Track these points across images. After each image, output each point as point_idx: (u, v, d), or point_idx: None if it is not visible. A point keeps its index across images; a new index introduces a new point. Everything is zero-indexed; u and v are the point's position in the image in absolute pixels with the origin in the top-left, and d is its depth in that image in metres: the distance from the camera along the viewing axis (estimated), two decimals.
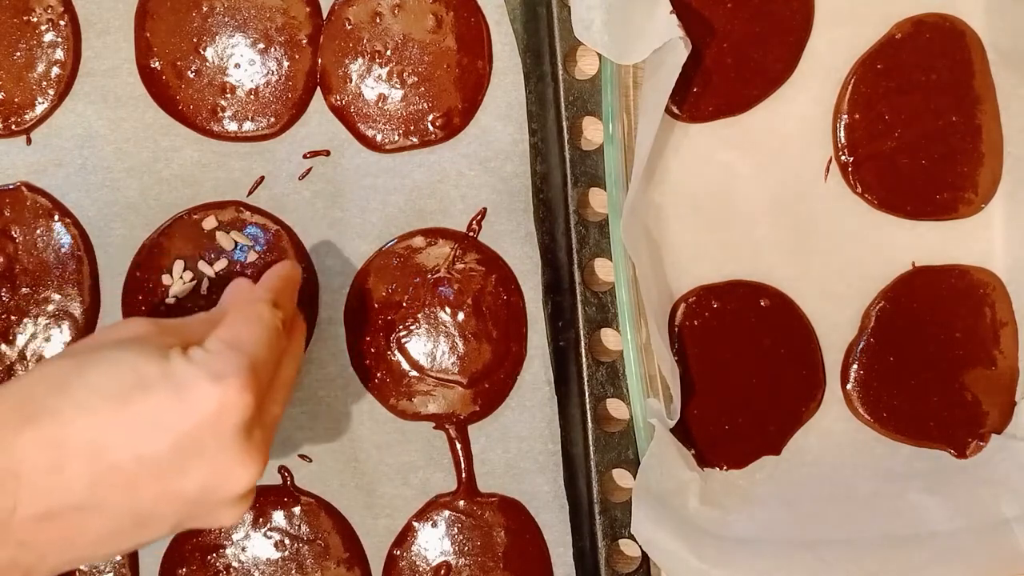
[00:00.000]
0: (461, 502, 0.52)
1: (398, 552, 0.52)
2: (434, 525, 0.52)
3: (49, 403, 0.36)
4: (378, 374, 0.52)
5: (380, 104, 0.52)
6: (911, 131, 0.53)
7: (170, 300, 0.52)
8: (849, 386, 0.53)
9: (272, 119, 0.52)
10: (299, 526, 0.52)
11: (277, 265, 0.48)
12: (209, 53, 0.52)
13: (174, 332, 0.41)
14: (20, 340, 0.52)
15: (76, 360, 0.37)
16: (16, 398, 0.36)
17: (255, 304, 0.42)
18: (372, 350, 0.52)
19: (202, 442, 0.37)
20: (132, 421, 0.36)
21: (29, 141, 0.52)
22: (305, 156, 0.52)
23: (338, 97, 0.52)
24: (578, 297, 0.51)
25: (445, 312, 0.52)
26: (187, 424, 0.36)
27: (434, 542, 0.52)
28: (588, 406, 0.50)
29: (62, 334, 0.51)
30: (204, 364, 0.38)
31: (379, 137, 0.52)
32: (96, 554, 0.38)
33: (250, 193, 0.52)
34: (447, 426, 0.52)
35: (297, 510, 0.52)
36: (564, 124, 0.51)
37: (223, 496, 0.39)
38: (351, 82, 0.52)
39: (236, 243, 0.52)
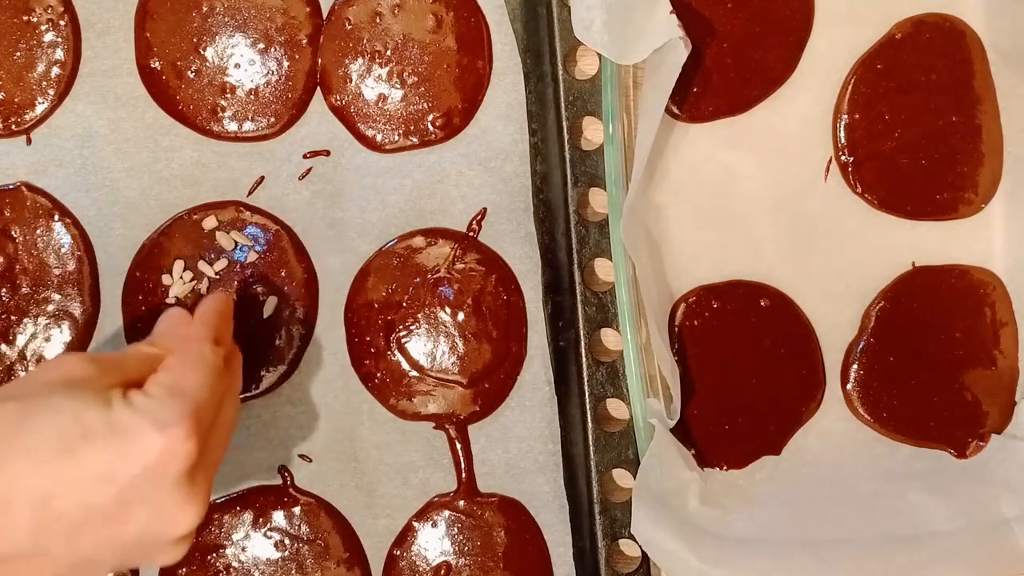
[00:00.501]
0: (461, 502, 0.52)
1: (398, 552, 0.52)
2: (434, 525, 0.52)
3: None
4: (378, 374, 0.52)
5: (380, 104, 0.52)
6: (911, 131, 0.53)
7: (170, 300, 0.52)
8: (849, 386, 0.53)
9: (272, 119, 0.52)
10: (299, 526, 0.52)
11: (210, 298, 0.48)
12: (209, 53, 0.52)
13: (112, 369, 0.40)
14: (20, 340, 0.52)
15: (20, 407, 0.37)
16: None
17: (197, 344, 0.42)
18: (372, 350, 0.52)
19: (145, 490, 0.37)
20: (78, 472, 0.36)
21: (29, 141, 0.52)
22: (305, 156, 0.52)
23: (338, 97, 0.52)
24: (578, 297, 0.51)
25: (445, 312, 0.52)
26: (131, 474, 0.37)
27: (434, 542, 0.52)
28: (588, 406, 0.50)
29: (62, 334, 0.52)
30: (147, 412, 0.38)
31: (379, 137, 0.52)
32: None
33: (250, 193, 0.52)
34: (447, 426, 0.52)
35: (297, 510, 0.52)
36: (564, 124, 0.51)
37: (163, 539, 0.39)
38: (351, 82, 0.52)
39: (236, 243, 0.52)
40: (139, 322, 0.52)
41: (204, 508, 0.39)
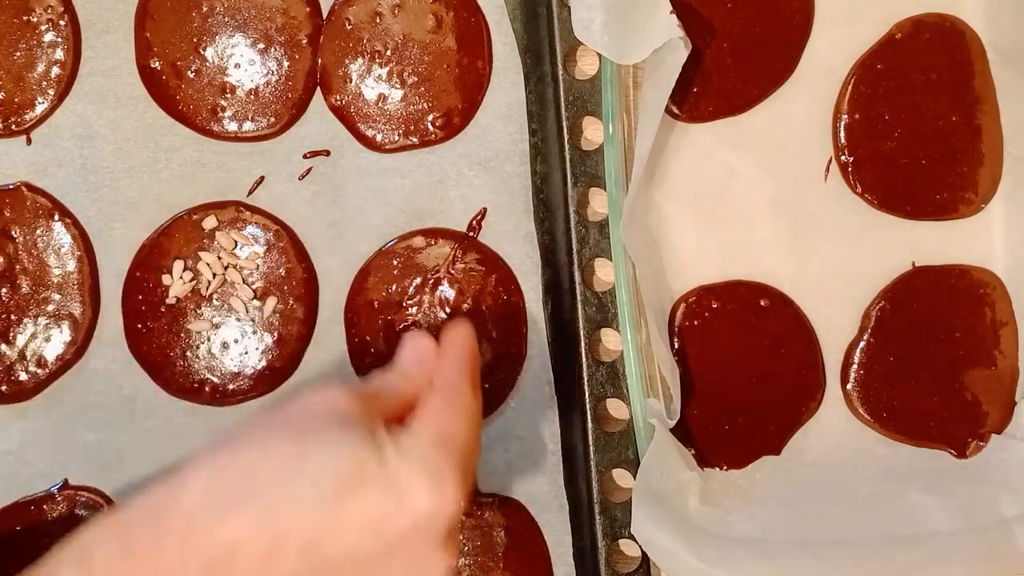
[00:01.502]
0: None
1: None
2: None
3: (271, 491, 0.35)
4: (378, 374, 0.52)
5: (380, 104, 0.52)
6: (911, 131, 0.53)
7: (170, 300, 0.52)
8: (849, 386, 0.53)
9: (272, 119, 0.52)
10: None
11: (461, 333, 0.45)
12: (209, 53, 0.52)
13: (371, 405, 0.39)
14: (20, 340, 0.52)
15: (297, 447, 0.36)
16: (233, 478, 0.35)
17: (460, 394, 0.41)
18: (372, 350, 0.52)
19: (410, 543, 0.36)
20: (349, 520, 0.35)
21: (29, 141, 0.52)
22: (305, 156, 0.52)
23: (338, 97, 0.52)
24: (578, 297, 0.51)
25: (445, 312, 0.52)
26: (401, 528, 0.36)
27: None
28: (588, 406, 0.50)
29: (62, 334, 0.52)
30: (420, 463, 0.36)
31: (379, 137, 0.52)
32: None
33: (250, 193, 0.52)
34: None
35: None
36: (564, 124, 0.51)
37: None
38: (351, 82, 0.52)
39: (236, 243, 0.52)
40: (139, 322, 0.52)
41: (455, 559, 0.39)
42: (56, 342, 0.52)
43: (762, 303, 0.53)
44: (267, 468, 0.36)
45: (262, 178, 0.52)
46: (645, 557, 0.50)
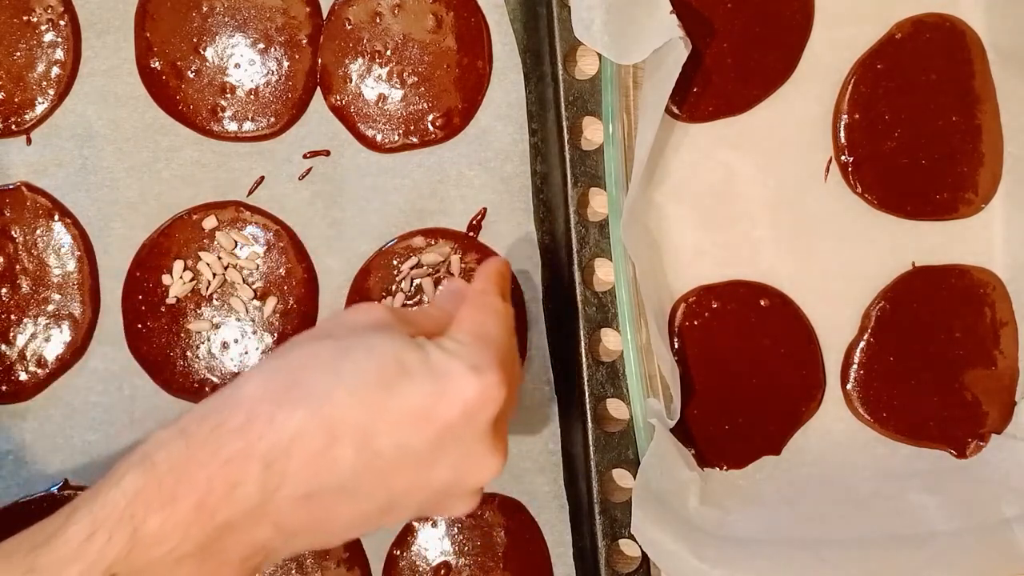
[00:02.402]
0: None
1: (398, 552, 0.52)
2: (434, 525, 0.52)
3: (321, 386, 0.36)
4: None
5: (380, 104, 0.52)
6: (911, 131, 0.53)
7: (170, 300, 0.52)
8: (849, 386, 0.53)
9: (272, 119, 0.52)
10: None
11: (489, 260, 0.47)
12: (209, 53, 0.52)
13: (409, 322, 0.40)
14: (20, 340, 0.52)
15: (338, 344, 0.37)
16: (283, 377, 0.36)
17: (488, 296, 0.42)
18: None
19: (458, 434, 0.37)
20: (397, 409, 0.36)
21: (29, 141, 0.52)
22: (305, 156, 0.52)
23: (338, 97, 0.52)
24: (578, 297, 0.50)
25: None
26: (449, 415, 0.36)
27: (434, 542, 0.52)
28: (588, 406, 0.50)
29: (62, 334, 0.52)
30: (462, 356, 0.37)
31: (379, 137, 0.52)
32: (336, 540, 0.39)
33: (250, 193, 0.52)
34: None
35: None
36: (564, 124, 0.51)
37: (465, 487, 0.39)
38: (351, 82, 0.52)
39: (236, 243, 0.52)
40: (139, 322, 0.52)
41: (505, 457, 0.39)
42: (56, 342, 0.52)
43: (762, 303, 0.53)
44: (314, 368, 0.37)
45: (262, 178, 0.52)
46: (645, 557, 0.50)
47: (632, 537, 0.49)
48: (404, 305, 0.52)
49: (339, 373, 0.36)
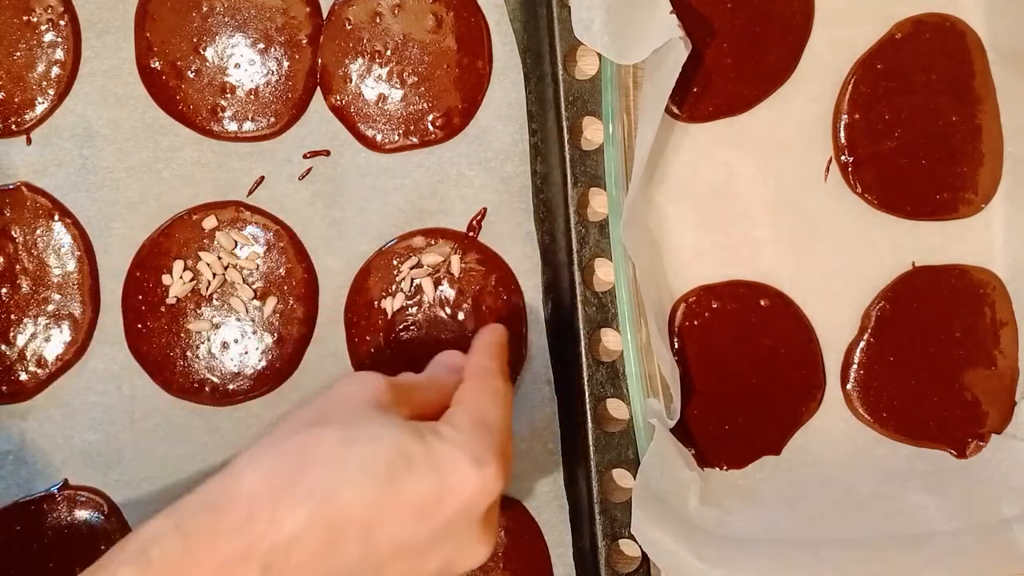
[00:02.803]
0: None
1: None
2: None
3: (324, 482, 0.35)
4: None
5: (380, 104, 0.52)
6: (911, 131, 0.53)
7: (170, 300, 0.52)
8: (849, 386, 0.53)
9: (272, 119, 0.52)
10: None
11: (490, 328, 0.47)
12: (209, 53, 0.52)
13: (406, 397, 0.40)
14: (20, 340, 0.52)
15: (342, 435, 0.37)
16: (282, 470, 0.36)
17: (490, 376, 0.42)
18: (372, 350, 0.52)
19: (455, 525, 0.37)
20: (399, 504, 0.36)
21: (29, 141, 0.52)
22: (305, 156, 0.52)
23: (338, 97, 0.52)
24: (578, 297, 0.50)
25: (445, 312, 0.52)
26: (449, 511, 0.37)
27: None
28: (588, 406, 0.50)
29: (62, 334, 0.52)
30: (462, 446, 0.37)
31: (379, 137, 0.52)
32: None
33: (250, 193, 0.52)
34: None
35: None
36: (564, 124, 0.51)
37: (456, 572, 0.39)
38: (351, 82, 0.52)
39: (236, 243, 0.52)
40: (139, 322, 0.52)
41: (493, 545, 0.39)
42: (56, 342, 0.52)
43: (762, 303, 0.53)
44: (316, 457, 0.36)
45: (262, 178, 0.52)
46: (645, 557, 0.50)
47: (632, 537, 0.49)
48: (404, 305, 0.52)
49: (343, 468, 0.36)
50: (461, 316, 0.52)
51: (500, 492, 0.38)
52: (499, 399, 0.41)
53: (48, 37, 0.52)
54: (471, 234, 0.52)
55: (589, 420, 0.50)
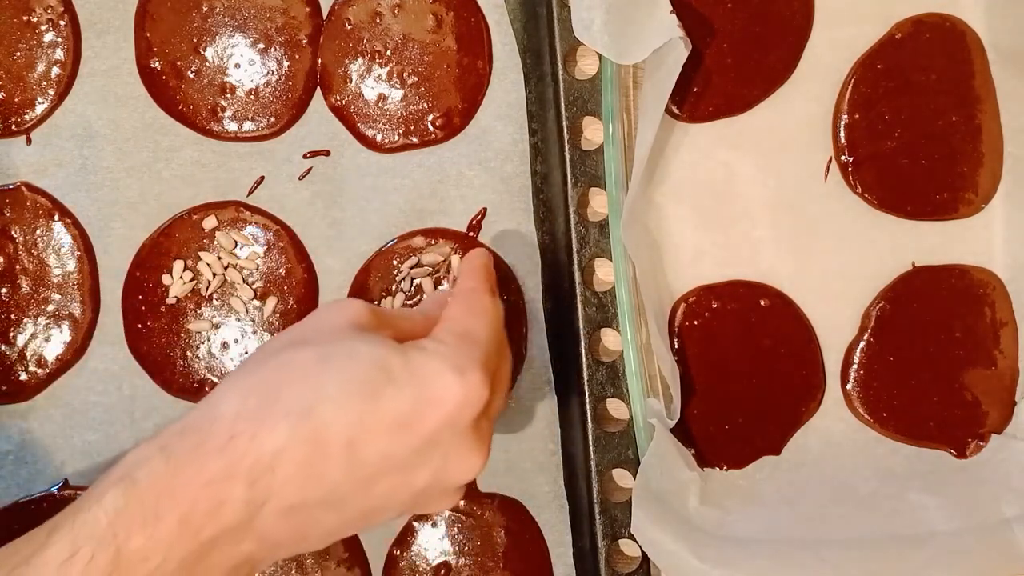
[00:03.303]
0: (461, 502, 0.52)
1: (398, 552, 0.52)
2: (434, 525, 0.52)
3: (303, 398, 0.35)
4: None
5: (380, 104, 0.52)
6: (911, 131, 0.53)
7: (170, 300, 0.52)
8: (849, 386, 0.53)
9: (272, 119, 0.52)
10: None
11: (473, 253, 0.47)
12: (209, 53, 0.52)
13: (388, 323, 0.40)
14: (20, 340, 0.52)
15: (318, 352, 0.37)
16: (261, 391, 0.36)
17: (475, 293, 0.42)
18: None
19: (441, 436, 0.37)
20: (381, 417, 0.36)
21: (29, 141, 0.52)
22: (305, 156, 0.52)
23: (338, 97, 0.52)
24: (578, 297, 0.50)
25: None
26: (432, 421, 0.36)
27: (434, 542, 0.52)
28: (588, 406, 0.50)
29: (62, 334, 0.52)
30: (444, 357, 0.37)
31: (379, 137, 0.52)
32: (319, 546, 0.39)
33: (250, 193, 0.52)
34: None
35: None
36: (564, 124, 0.51)
37: (446, 486, 0.39)
38: (351, 82, 0.52)
39: (236, 243, 0.52)
40: (139, 322, 0.52)
41: (487, 455, 0.39)
42: (56, 342, 0.52)
43: (762, 303, 0.53)
44: (294, 379, 0.36)
45: (262, 178, 0.52)
46: (645, 557, 0.50)
47: (632, 537, 0.49)
48: (404, 305, 0.52)
49: (321, 384, 0.36)
50: None
51: (484, 400, 0.37)
52: (486, 315, 0.41)
53: (48, 37, 0.52)
54: (471, 234, 0.52)
55: (589, 420, 0.50)
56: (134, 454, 0.36)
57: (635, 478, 0.48)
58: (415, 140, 0.52)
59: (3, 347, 0.51)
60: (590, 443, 0.50)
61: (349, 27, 0.52)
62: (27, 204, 0.52)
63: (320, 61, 0.52)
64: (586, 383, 0.50)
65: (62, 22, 0.52)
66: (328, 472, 0.36)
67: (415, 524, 0.52)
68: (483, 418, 0.38)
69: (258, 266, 0.52)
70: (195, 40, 0.52)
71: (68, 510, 0.35)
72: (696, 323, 0.52)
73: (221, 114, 0.52)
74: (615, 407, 0.52)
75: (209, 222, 0.52)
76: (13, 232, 0.52)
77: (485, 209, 0.52)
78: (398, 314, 0.42)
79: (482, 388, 0.37)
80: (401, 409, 0.36)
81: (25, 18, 0.52)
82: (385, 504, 0.38)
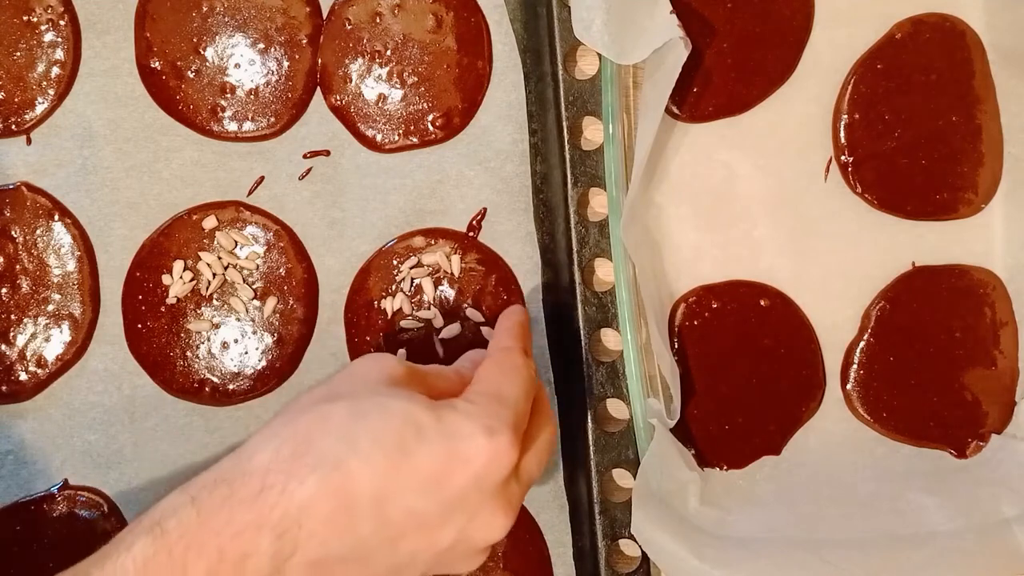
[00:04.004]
0: None
1: None
2: None
3: (333, 452, 0.36)
4: None
5: (380, 104, 0.52)
6: (911, 131, 0.53)
7: (170, 300, 0.52)
8: (849, 386, 0.53)
9: (272, 119, 0.52)
10: None
11: (511, 310, 0.48)
12: (209, 53, 0.52)
13: (421, 379, 0.40)
14: (20, 340, 0.52)
15: (351, 406, 0.37)
16: (293, 443, 0.36)
17: (509, 353, 0.42)
18: (372, 350, 0.52)
19: (468, 496, 0.37)
20: (410, 474, 0.36)
21: (29, 141, 0.52)
22: (305, 156, 0.52)
23: (338, 97, 0.52)
24: (578, 297, 0.50)
25: (445, 312, 0.52)
26: (461, 480, 0.37)
27: None
28: (588, 406, 0.50)
29: (62, 334, 0.52)
30: (474, 416, 0.37)
31: (379, 137, 0.52)
32: None
33: (250, 193, 0.52)
34: None
35: None
36: (564, 124, 0.51)
37: (471, 547, 0.39)
38: (351, 82, 0.52)
39: (236, 243, 0.52)
40: (139, 322, 0.52)
41: (514, 519, 0.39)
42: (56, 342, 0.52)
43: (762, 303, 0.53)
44: (326, 432, 0.36)
45: (262, 178, 0.52)
46: (645, 557, 0.50)
47: (632, 537, 0.49)
48: (404, 305, 0.52)
49: (353, 439, 0.36)
50: (461, 316, 0.52)
51: (513, 462, 0.37)
52: (518, 376, 0.41)
53: (48, 37, 0.52)
54: (471, 234, 0.52)
55: (589, 420, 0.50)
56: (166, 502, 0.36)
57: (635, 478, 0.48)
58: (415, 140, 0.52)
59: (3, 347, 0.51)
60: (590, 443, 0.50)
61: (349, 27, 0.52)
62: (27, 204, 0.52)
63: (320, 61, 0.52)
64: (586, 383, 0.50)
65: (62, 22, 0.52)
66: (355, 527, 0.36)
67: None
68: (512, 481, 0.39)
69: (258, 266, 0.52)
70: (195, 40, 0.52)
71: (97, 556, 0.35)
72: (696, 323, 0.52)
73: (221, 114, 0.52)
74: (615, 407, 0.52)
75: (209, 222, 0.52)
76: (13, 232, 0.52)
77: (485, 209, 0.52)
78: (432, 371, 0.42)
79: (511, 449, 0.37)
80: (430, 467, 0.36)
81: (25, 18, 0.52)
82: (410, 561, 0.38)
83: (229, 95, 0.52)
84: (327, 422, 0.37)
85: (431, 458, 0.36)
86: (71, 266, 0.52)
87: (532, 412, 0.41)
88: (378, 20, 0.52)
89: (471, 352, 0.46)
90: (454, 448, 0.36)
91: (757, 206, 0.53)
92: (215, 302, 0.52)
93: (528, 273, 0.52)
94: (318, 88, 0.52)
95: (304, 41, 0.52)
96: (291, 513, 0.35)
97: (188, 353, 0.52)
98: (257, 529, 0.34)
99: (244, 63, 0.52)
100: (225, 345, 0.52)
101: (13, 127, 0.52)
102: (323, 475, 0.35)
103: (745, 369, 0.53)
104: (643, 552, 0.50)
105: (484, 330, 0.52)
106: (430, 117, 0.52)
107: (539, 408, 0.42)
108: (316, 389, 0.40)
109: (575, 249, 0.51)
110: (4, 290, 0.52)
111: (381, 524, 0.36)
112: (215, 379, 0.52)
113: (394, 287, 0.52)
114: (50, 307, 0.52)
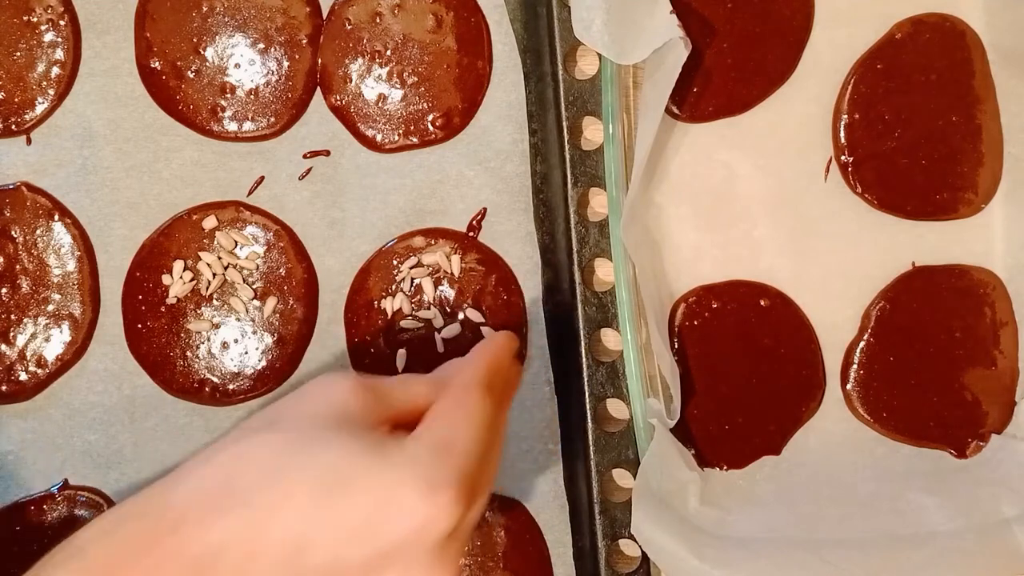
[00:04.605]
0: None
1: None
2: None
3: (256, 489, 0.34)
4: (378, 374, 0.52)
5: (380, 104, 0.52)
6: (911, 131, 0.53)
7: (170, 300, 0.52)
8: (849, 386, 0.53)
9: (272, 119, 0.52)
10: None
11: (489, 339, 0.45)
12: (209, 53, 0.52)
13: (381, 402, 0.38)
14: (20, 340, 0.52)
15: (284, 440, 0.35)
16: (221, 479, 0.35)
17: (468, 396, 0.39)
18: (372, 350, 0.52)
19: (399, 553, 0.35)
20: (335, 524, 0.34)
21: (29, 141, 0.52)
22: (305, 156, 0.52)
23: (338, 97, 0.52)
24: (578, 297, 0.50)
25: (445, 311, 0.52)
26: (392, 536, 0.34)
27: None
28: (588, 406, 0.50)
29: (62, 334, 0.52)
30: (412, 468, 0.35)
31: (379, 137, 0.52)
32: None
33: (250, 193, 0.52)
34: None
35: None
36: (564, 124, 0.51)
37: None
38: (351, 82, 0.52)
39: (236, 243, 0.52)
40: (139, 322, 0.52)
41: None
42: (56, 342, 0.52)
43: (762, 303, 0.53)
44: (251, 469, 0.35)
45: (262, 178, 0.52)
46: (645, 557, 0.50)
47: (632, 537, 0.49)
48: (404, 305, 0.52)
49: (278, 476, 0.34)
50: (461, 316, 0.52)
51: (454, 522, 0.35)
52: (471, 420, 0.37)
53: (48, 37, 0.52)
54: (471, 234, 0.52)
55: (589, 420, 0.50)
56: (91, 527, 0.35)
57: (635, 478, 0.48)
58: (415, 140, 0.52)
59: (3, 347, 0.51)
60: (590, 443, 0.50)
61: (349, 27, 0.52)
62: (27, 204, 0.52)
63: (320, 61, 0.52)
64: (586, 383, 0.50)
65: (62, 22, 0.52)
66: (269, 571, 0.34)
67: None
68: (452, 539, 0.36)
69: (258, 266, 0.52)
70: (195, 40, 0.52)
71: None
72: (696, 323, 0.52)
73: (221, 114, 0.52)
74: (615, 407, 0.52)
75: (209, 222, 0.52)
76: (13, 232, 0.52)
77: (485, 209, 0.52)
78: (398, 387, 0.40)
79: (453, 508, 0.35)
80: (360, 515, 0.34)
81: (25, 18, 0.52)
82: None
83: (229, 95, 0.52)
84: (256, 457, 0.35)
85: (363, 506, 0.34)
86: (71, 266, 0.52)
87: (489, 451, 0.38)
88: (378, 20, 0.52)
89: (449, 363, 0.44)
90: (390, 499, 0.34)
91: (757, 206, 0.53)
92: (215, 302, 0.52)
93: (528, 273, 0.52)
94: (318, 88, 0.53)
95: (304, 41, 0.52)
96: (206, 556, 0.33)
97: (188, 353, 0.52)
98: (175, 563, 0.34)
99: (244, 63, 0.52)
100: (225, 345, 0.52)
101: (13, 127, 0.52)
102: (239, 518, 0.34)
103: (745, 369, 0.53)
104: (643, 552, 0.50)
105: (484, 330, 0.52)
106: (430, 117, 0.52)
107: (493, 447, 0.39)
108: (260, 413, 0.38)
109: (575, 249, 0.51)
110: (4, 290, 0.52)
111: (300, 570, 0.34)
112: (215, 379, 0.52)
113: (394, 287, 0.52)
114: (50, 307, 0.52)
